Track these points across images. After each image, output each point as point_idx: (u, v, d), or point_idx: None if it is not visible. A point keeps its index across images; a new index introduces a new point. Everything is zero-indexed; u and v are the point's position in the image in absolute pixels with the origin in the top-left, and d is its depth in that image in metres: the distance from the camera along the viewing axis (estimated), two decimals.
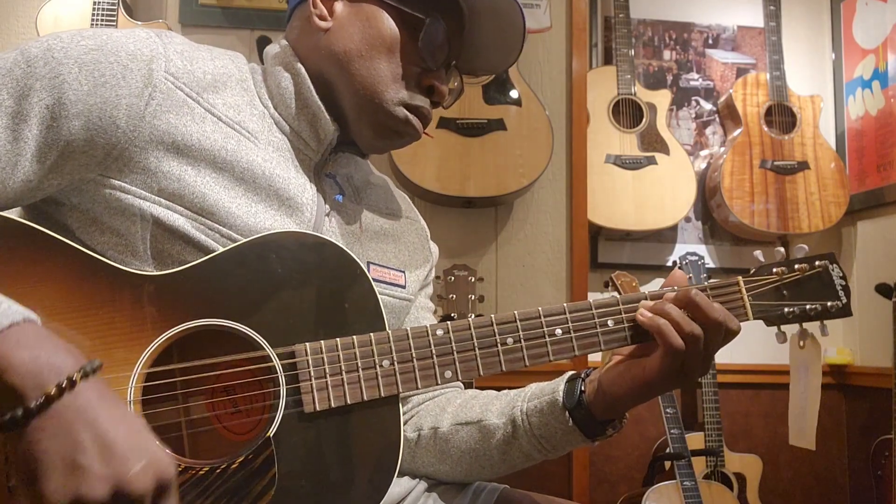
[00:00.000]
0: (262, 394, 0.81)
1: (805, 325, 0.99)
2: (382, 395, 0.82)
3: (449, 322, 0.86)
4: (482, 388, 1.09)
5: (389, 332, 0.84)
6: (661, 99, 2.74)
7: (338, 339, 0.81)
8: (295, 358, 0.79)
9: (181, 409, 0.79)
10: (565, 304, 0.89)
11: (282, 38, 0.99)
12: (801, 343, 1.00)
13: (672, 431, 2.28)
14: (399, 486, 0.98)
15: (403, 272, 1.03)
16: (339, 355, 0.81)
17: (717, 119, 2.91)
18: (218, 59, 0.91)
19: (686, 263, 2.46)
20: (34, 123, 0.77)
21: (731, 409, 2.71)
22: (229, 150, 0.85)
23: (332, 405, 0.80)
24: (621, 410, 0.93)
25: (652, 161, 2.63)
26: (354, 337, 0.82)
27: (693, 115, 2.91)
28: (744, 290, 0.94)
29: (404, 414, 1.05)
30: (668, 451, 2.27)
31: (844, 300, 0.96)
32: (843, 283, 0.97)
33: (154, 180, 0.80)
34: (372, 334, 0.82)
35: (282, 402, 0.78)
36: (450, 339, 0.85)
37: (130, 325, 0.76)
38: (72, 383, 0.59)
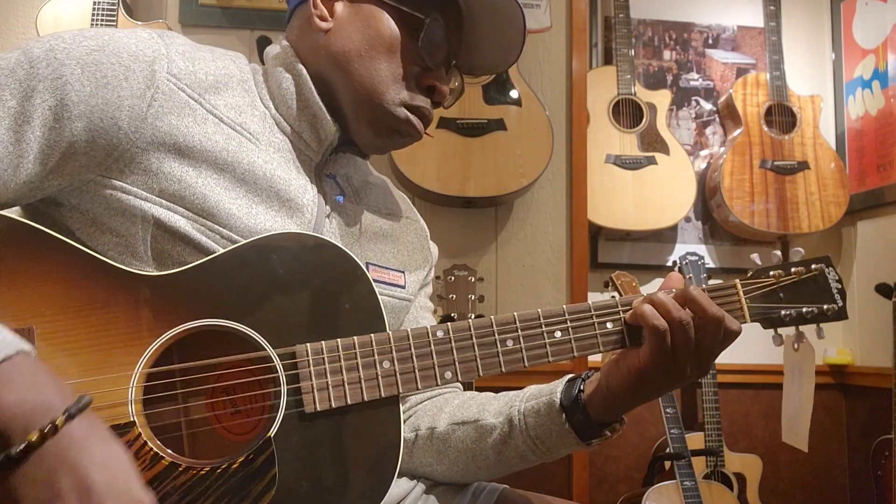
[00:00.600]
0: (261, 394, 0.81)
1: (801, 327, 0.99)
2: (383, 395, 0.82)
3: (449, 323, 0.86)
4: (481, 390, 1.09)
5: (390, 332, 0.84)
6: (661, 99, 2.74)
7: (338, 340, 0.81)
8: (296, 358, 0.79)
9: (181, 409, 0.79)
10: (565, 306, 0.89)
11: (282, 39, 0.99)
12: (796, 346, 1.01)
13: (672, 431, 2.28)
14: (398, 486, 0.98)
15: (403, 272, 1.03)
16: (339, 356, 0.81)
17: (717, 119, 2.91)
18: (219, 59, 0.91)
19: (686, 263, 2.46)
20: (37, 125, 0.77)
21: (731, 409, 2.71)
22: (230, 151, 0.85)
23: (333, 405, 0.80)
24: (620, 409, 0.92)
25: (652, 161, 2.64)
26: (355, 338, 0.82)
27: (693, 115, 2.91)
28: (741, 293, 0.94)
29: (402, 414, 1.05)
30: (668, 451, 2.28)
31: (840, 303, 0.97)
32: (839, 286, 0.97)
33: (155, 181, 0.80)
34: (373, 335, 0.83)
35: (283, 402, 0.78)
36: (450, 340, 0.85)
37: (131, 325, 0.76)
38: (55, 428, 0.58)
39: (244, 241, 0.82)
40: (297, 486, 0.77)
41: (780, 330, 0.98)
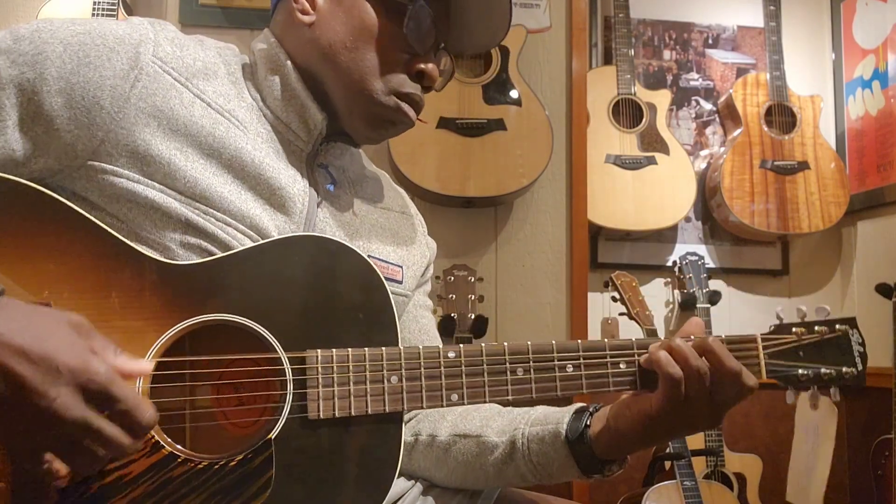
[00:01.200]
0: (267, 392, 0.81)
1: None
2: (387, 410, 0.82)
3: (462, 346, 0.86)
4: None
5: (402, 348, 0.84)
6: (661, 99, 2.74)
7: (349, 351, 0.81)
8: (305, 364, 0.79)
9: (187, 401, 0.80)
10: (580, 342, 0.89)
11: (268, 33, 0.97)
12: (814, 404, 0.99)
13: None
14: (395, 485, 0.98)
15: (401, 267, 1.02)
16: (349, 366, 0.81)
17: (717, 119, 2.91)
18: (209, 49, 0.91)
19: (686, 263, 2.46)
20: (12, 93, 0.77)
21: (731, 409, 2.70)
22: (217, 136, 0.84)
23: (336, 415, 0.80)
24: (626, 450, 0.91)
25: (652, 161, 2.63)
26: (367, 350, 0.82)
27: (693, 115, 2.91)
28: (760, 348, 0.93)
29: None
30: (668, 450, 2.27)
31: (860, 368, 0.94)
32: (862, 349, 0.95)
33: (144, 164, 0.80)
34: (384, 349, 0.83)
35: (287, 407, 0.78)
36: (460, 363, 0.85)
37: (147, 311, 0.76)
38: None
39: (264, 241, 0.82)
40: (290, 490, 0.77)
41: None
